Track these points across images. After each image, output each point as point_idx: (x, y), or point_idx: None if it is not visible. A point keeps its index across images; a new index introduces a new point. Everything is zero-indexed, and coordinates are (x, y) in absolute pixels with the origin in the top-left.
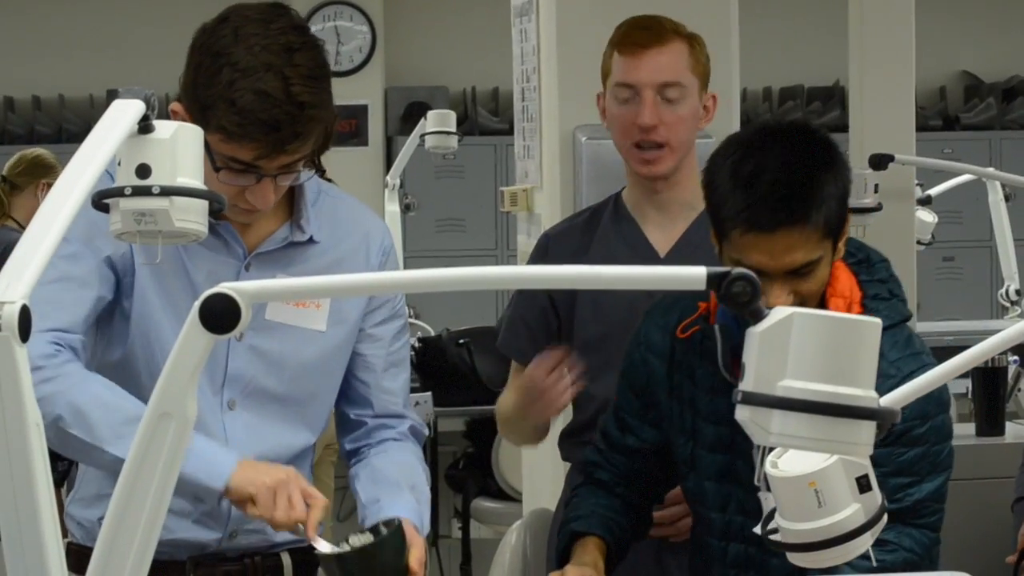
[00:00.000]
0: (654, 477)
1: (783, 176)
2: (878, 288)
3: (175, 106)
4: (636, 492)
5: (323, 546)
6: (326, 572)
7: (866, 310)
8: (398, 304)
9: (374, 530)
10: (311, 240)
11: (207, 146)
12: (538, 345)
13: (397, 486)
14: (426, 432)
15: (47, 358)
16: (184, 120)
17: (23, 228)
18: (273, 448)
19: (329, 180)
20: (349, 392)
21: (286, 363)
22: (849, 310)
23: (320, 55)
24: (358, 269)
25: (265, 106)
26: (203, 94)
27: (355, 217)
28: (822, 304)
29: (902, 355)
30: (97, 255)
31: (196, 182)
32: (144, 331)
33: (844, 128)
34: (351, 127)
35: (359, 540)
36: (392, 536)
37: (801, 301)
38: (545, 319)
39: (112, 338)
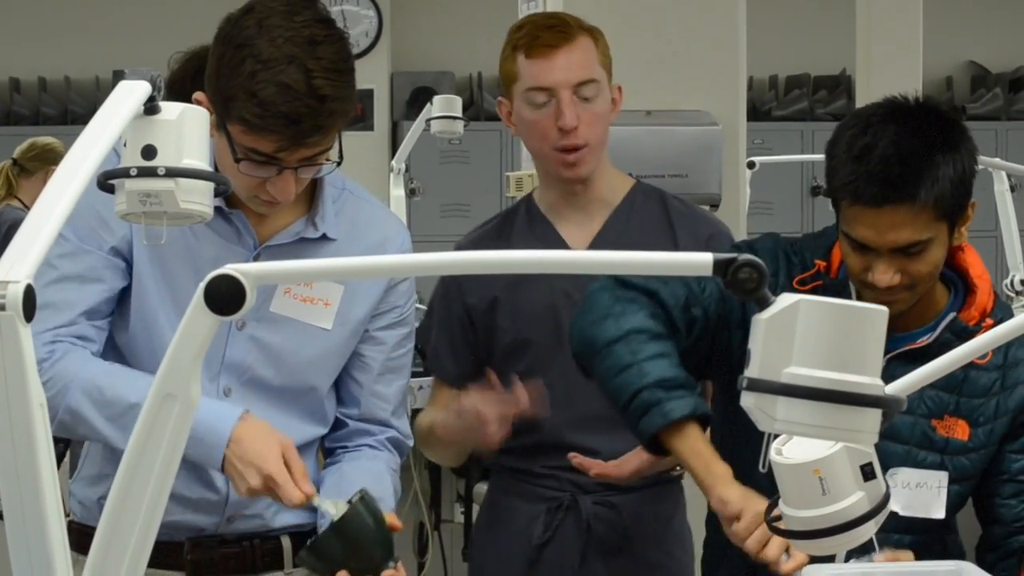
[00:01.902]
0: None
1: (894, 152)
2: None
3: (199, 96)
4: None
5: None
6: (310, 570)
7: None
8: (406, 311)
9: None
10: (325, 237)
11: (228, 137)
12: (459, 360)
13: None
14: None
15: (39, 363)
16: (208, 110)
17: (28, 210)
18: None
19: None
20: (339, 389)
21: (285, 357)
22: (988, 298)
23: (344, 48)
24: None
25: (286, 99)
26: (225, 85)
27: (375, 220)
28: (967, 286)
29: None
30: (101, 247)
31: (202, 163)
32: (144, 315)
33: None
34: (357, 111)
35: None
36: (361, 499)
37: (910, 282)
38: (462, 330)
39: (116, 322)
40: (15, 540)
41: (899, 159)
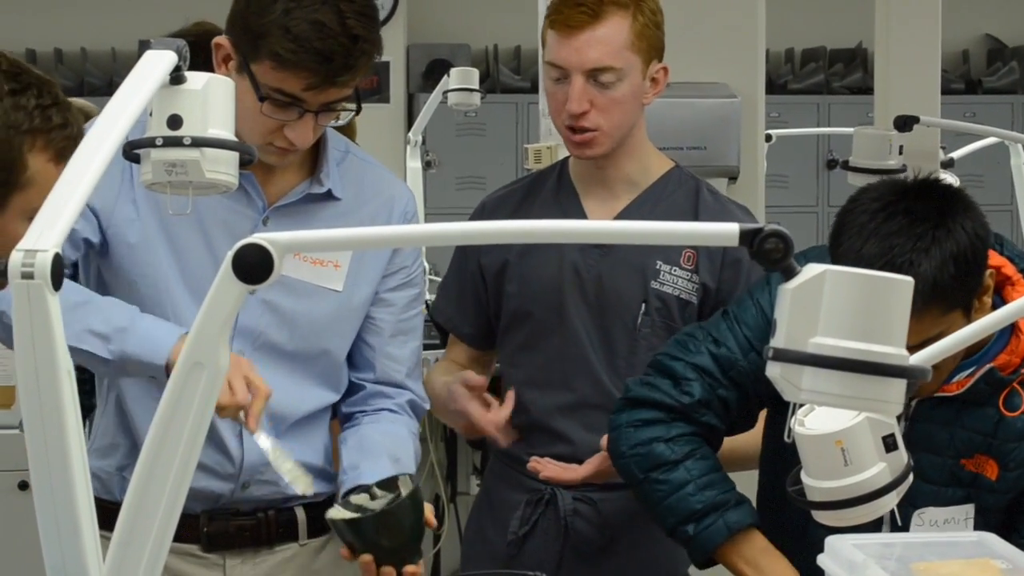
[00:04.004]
0: (753, 408)
1: (885, 260)
2: None
3: (220, 40)
4: (734, 425)
5: (334, 511)
6: (339, 536)
7: None
8: (414, 271)
9: (370, 493)
10: (331, 195)
11: (252, 78)
12: (466, 314)
13: (379, 455)
14: (427, 407)
15: None
16: (228, 54)
17: None
18: (283, 403)
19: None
20: (353, 354)
21: (298, 320)
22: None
23: None
24: None
25: (320, 36)
26: (256, 22)
27: (380, 181)
28: (1012, 325)
29: None
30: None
31: (227, 133)
32: (147, 273)
33: (866, 90)
34: (373, 83)
35: (370, 502)
36: (413, 495)
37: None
38: (474, 287)
39: (118, 283)
40: (43, 509)
41: (889, 268)
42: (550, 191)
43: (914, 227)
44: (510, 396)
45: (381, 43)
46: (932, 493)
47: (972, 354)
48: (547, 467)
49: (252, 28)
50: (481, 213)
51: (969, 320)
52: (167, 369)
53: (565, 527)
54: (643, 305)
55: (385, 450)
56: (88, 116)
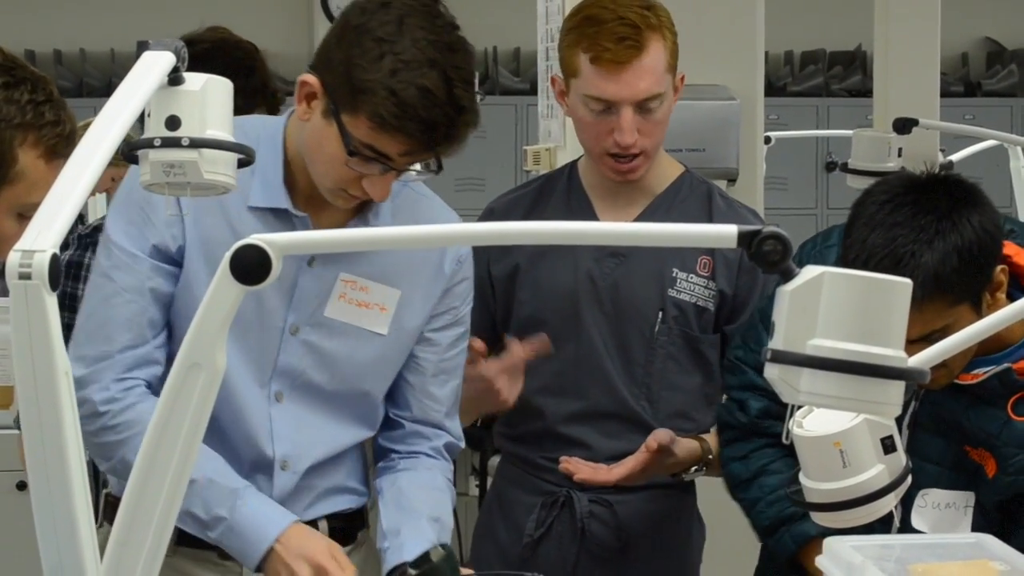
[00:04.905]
0: None
1: (887, 252)
2: None
3: (308, 78)
4: None
5: None
6: None
7: None
8: (462, 312)
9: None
10: None
11: (342, 128)
12: (475, 321)
13: (419, 517)
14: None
15: (108, 403)
16: (314, 93)
17: None
18: (318, 441)
19: None
20: (393, 391)
21: (339, 362)
22: None
23: (473, 59)
24: (428, 278)
25: (426, 103)
26: (360, 77)
27: (434, 216)
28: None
29: None
30: (143, 248)
31: (225, 134)
32: (188, 304)
33: (866, 92)
34: None
35: None
36: (447, 560)
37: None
38: (481, 294)
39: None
40: (40, 508)
41: (892, 259)
42: (560, 197)
43: (919, 218)
44: (513, 346)
45: (479, 113)
46: (936, 474)
47: (996, 351)
48: (581, 468)
49: (355, 82)
50: (490, 217)
51: (979, 315)
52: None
53: (581, 529)
54: (660, 313)
55: (425, 511)
56: None
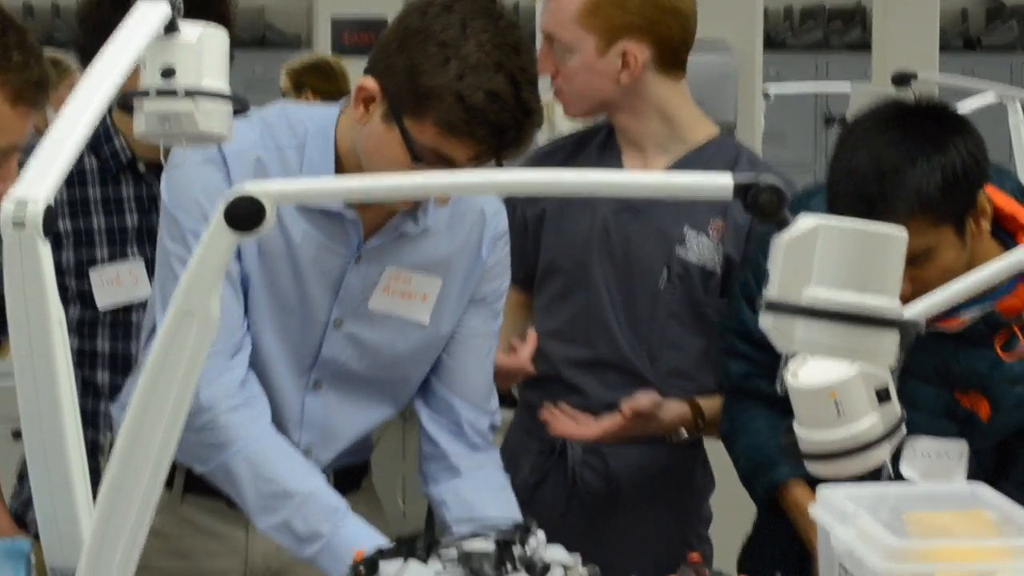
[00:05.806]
0: None
1: (872, 168)
2: None
3: (368, 83)
4: None
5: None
6: None
7: None
8: (499, 290)
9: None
10: (425, 230)
11: (406, 134)
12: (514, 257)
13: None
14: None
15: (230, 396)
16: (373, 97)
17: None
18: (349, 424)
19: None
20: (440, 368)
21: (381, 352)
22: None
23: (534, 56)
24: (468, 264)
25: (495, 108)
26: (426, 83)
27: (474, 202)
28: None
29: None
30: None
31: (222, 84)
32: (250, 320)
33: (865, 47)
34: (371, 40)
35: None
36: None
37: (923, 289)
38: (519, 233)
39: None
40: (34, 457)
41: (876, 175)
42: (595, 148)
43: (906, 140)
44: (531, 336)
45: (544, 113)
46: (924, 423)
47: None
48: (558, 421)
49: (420, 88)
50: (530, 163)
51: (963, 241)
52: None
53: (573, 478)
54: (666, 270)
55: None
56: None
